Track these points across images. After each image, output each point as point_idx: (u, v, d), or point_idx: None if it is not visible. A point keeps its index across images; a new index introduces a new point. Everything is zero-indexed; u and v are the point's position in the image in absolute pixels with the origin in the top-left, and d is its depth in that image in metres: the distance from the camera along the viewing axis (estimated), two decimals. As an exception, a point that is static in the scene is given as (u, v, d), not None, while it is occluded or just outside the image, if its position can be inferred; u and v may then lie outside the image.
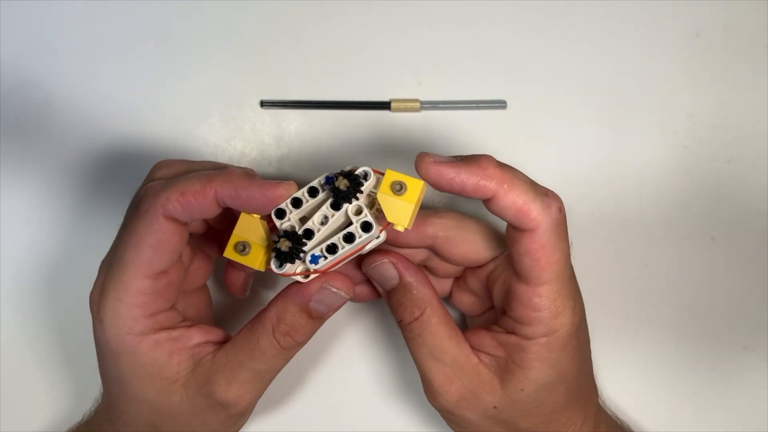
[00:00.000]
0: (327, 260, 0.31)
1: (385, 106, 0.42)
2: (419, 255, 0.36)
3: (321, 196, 0.32)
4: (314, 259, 0.31)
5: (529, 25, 0.43)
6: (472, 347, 0.34)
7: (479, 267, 0.36)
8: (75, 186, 0.42)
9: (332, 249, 0.31)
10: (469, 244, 0.35)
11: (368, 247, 0.32)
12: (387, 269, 0.34)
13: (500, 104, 0.42)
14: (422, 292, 0.34)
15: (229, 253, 0.32)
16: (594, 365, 0.40)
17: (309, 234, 0.31)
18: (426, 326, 0.33)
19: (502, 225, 0.33)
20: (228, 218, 0.35)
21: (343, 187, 0.31)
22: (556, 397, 0.33)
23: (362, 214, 0.31)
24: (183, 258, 0.34)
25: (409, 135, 0.42)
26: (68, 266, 0.42)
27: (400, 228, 0.31)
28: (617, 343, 0.42)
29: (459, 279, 0.38)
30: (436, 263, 0.36)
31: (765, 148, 0.43)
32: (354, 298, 0.36)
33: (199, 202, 0.31)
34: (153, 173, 0.34)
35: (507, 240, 0.33)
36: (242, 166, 0.38)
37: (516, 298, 0.32)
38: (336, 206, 0.31)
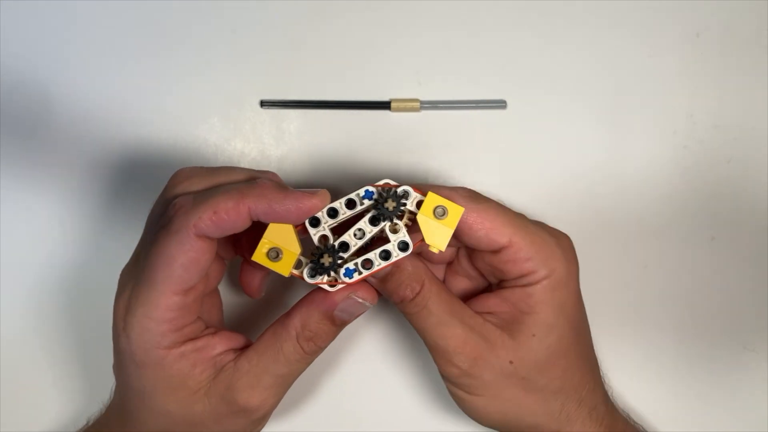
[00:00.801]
0: (361, 275, 0.32)
1: (385, 106, 0.42)
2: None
3: (358, 208, 0.32)
4: (348, 273, 0.32)
5: (529, 25, 0.43)
6: (475, 312, 0.35)
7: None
8: (75, 185, 0.42)
9: (368, 265, 0.32)
10: (491, 228, 0.34)
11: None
12: None
13: (500, 104, 0.42)
14: (417, 267, 0.34)
15: (261, 258, 0.32)
16: (594, 365, 0.40)
17: (344, 246, 0.32)
18: (430, 296, 0.34)
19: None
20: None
21: (390, 208, 0.32)
22: (567, 345, 0.34)
23: (400, 233, 0.32)
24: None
25: (409, 135, 0.42)
26: (68, 268, 0.42)
27: (435, 250, 0.32)
28: (617, 343, 0.42)
29: (451, 263, 0.38)
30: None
31: (765, 148, 0.43)
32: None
33: (232, 220, 0.31)
34: (175, 185, 0.33)
35: (461, 239, 0.34)
36: (252, 168, 0.36)
37: (503, 264, 0.34)
38: (374, 222, 0.32)
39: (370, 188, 0.32)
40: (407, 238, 0.32)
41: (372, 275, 0.33)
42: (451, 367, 0.34)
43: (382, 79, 0.42)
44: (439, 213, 0.32)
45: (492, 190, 0.42)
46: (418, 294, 0.33)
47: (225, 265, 0.37)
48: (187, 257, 0.31)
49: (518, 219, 0.34)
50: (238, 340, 0.34)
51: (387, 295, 0.34)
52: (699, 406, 0.42)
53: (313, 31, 0.43)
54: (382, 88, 0.42)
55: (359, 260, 0.32)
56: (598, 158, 0.42)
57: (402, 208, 0.32)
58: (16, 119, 0.42)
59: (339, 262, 0.32)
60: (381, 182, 0.32)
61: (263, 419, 0.35)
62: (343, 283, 0.32)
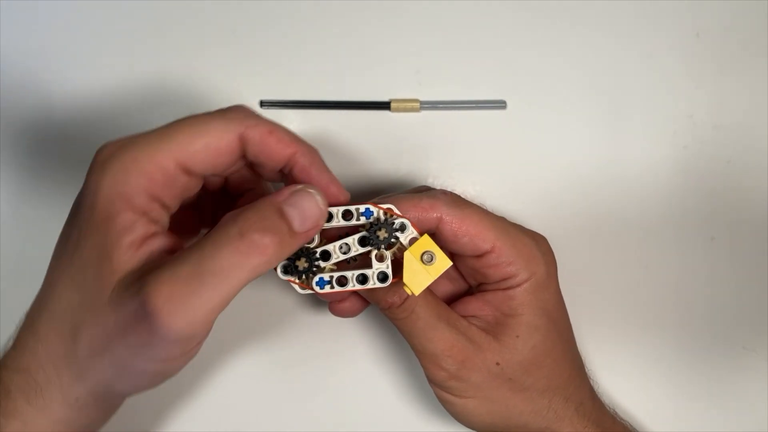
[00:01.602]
0: (333, 289, 0.32)
1: (385, 106, 0.42)
2: None
3: (352, 222, 0.32)
4: (321, 283, 0.31)
5: (529, 25, 0.43)
6: (459, 315, 0.35)
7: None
8: (74, 186, 0.42)
9: (343, 281, 0.32)
10: (474, 234, 0.34)
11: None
12: None
13: (500, 104, 0.42)
14: None
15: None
16: (594, 366, 0.40)
17: (326, 255, 0.32)
18: (417, 300, 0.34)
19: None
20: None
21: (381, 237, 0.31)
22: (551, 344, 0.35)
23: (383, 263, 0.32)
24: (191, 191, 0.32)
25: (409, 135, 0.42)
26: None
27: (409, 291, 0.32)
28: (617, 343, 0.42)
29: None
30: None
31: (765, 148, 0.43)
32: (345, 313, 0.36)
33: (277, 150, 0.31)
34: None
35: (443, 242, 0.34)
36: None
37: (486, 268, 0.34)
38: (363, 243, 0.32)
39: (372, 208, 0.32)
40: (389, 271, 0.32)
41: (341, 293, 0.33)
42: (439, 370, 0.34)
43: (382, 79, 0.42)
44: (427, 259, 0.32)
45: (492, 190, 0.42)
46: (406, 299, 0.33)
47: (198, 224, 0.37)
48: (216, 137, 0.30)
49: (500, 223, 0.34)
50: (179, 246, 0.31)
51: (374, 302, 0.34)
52: (698, 406, 0.42)
53: (313, 31, 0.43)
54: (381, 88, 0.42)
55: (335, 275, 0.32)
56: (598, 159, 0.42)
57: (393, 240, 0.32)
58: (17, 118, 0.42)
59: (314, 269, 0.31)
60: (385, 206, 0.32)
61: (178, 343, 0.28)
62: (311, 289, 0.32)
